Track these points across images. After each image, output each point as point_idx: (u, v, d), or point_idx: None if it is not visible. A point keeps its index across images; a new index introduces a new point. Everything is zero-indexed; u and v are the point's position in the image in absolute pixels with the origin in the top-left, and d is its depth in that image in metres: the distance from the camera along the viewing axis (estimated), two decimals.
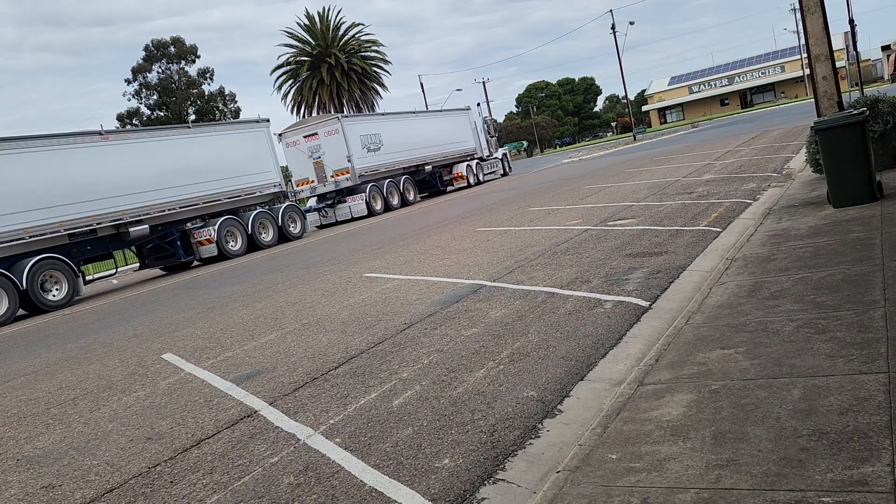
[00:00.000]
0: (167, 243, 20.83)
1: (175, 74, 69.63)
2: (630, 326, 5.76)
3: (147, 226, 19.49)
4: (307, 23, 53.40)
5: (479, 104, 37.91)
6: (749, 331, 4.82)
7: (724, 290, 6.01)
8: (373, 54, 54.13)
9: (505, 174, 39.28)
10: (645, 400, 4.06)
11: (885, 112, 10.58)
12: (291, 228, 24.17)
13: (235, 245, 21.83)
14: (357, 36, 54.02)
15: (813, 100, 9.55)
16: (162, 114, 68.42)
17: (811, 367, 3.95)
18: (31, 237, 16.75)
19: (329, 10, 54.32)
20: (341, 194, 27.62)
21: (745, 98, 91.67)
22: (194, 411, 5.50)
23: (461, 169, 34.32)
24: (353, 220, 27.72)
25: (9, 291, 15.59)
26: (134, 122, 66.89)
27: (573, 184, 21.62)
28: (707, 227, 9.44)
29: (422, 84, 61.95)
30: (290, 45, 53.56)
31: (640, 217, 11.50)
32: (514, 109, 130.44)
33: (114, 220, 18.72)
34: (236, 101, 73.06)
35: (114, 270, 21.62)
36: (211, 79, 71.90)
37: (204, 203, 21.24)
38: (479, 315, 6.89)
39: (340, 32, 53.78)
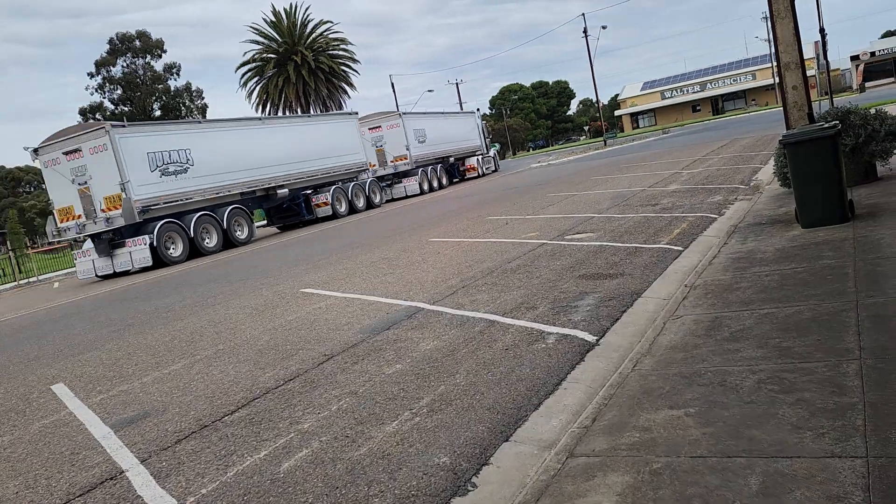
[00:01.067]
0: (295, 205, 27.51)
1: (140, 69, 67.89)
2: (572, 368, 5.01)
3: (287, 190, 25.87)
4: (273, 19, 52.13)
5: (478, 109, 44.53)
6: (703, 384, 4.09)
7: (679, 327, 5.30)
8: (341, 53, 53.05)
9: (496, 170, 44.12)
10: (572, 480, 3.30)
11: (856, 124, 10.02)
12: (374, 198, 30.56)
13: (341, 208, 28.32)
14: (325, 34, 52.89)
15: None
16: (126, 108, 66.64)
17: (774, 444, 3.22)
18: (217, 194, 22.67)
19: (297, 7, 53.20)
20: (398, 177, 33.71)
21: (717, 105, 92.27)
22: (53, 468, 4.63)
23: (473, 162, 41.29)
24: (406, 197, 33.61)
25: (182, 238, 20.79)
26: (97, 116, 65.00)
27: (538, 190, 20.95)
28: (668, 246, 8.77)
29: (392, 84, 60.97)
30: (257, 42, 52.28)
31: (600, 231, 10.80)
32: (488, 111, 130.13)
33: (267, 185, 24.85)
34: (203, 98, 71.52)
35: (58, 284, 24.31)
36: (177, 74, 70.32)
37: (321, 175, 27.91)
38: (408, 347, 6.10)
39: (308, 30, 52.60)
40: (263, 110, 51.22)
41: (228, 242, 22.62)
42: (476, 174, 41.00)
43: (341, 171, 29.13)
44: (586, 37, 55.32)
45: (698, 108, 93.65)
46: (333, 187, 27.86)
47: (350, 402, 4.94)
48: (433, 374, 5.29)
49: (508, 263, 9.31)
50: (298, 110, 50.65)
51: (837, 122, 7.97)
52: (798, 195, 7.88)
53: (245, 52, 66.40)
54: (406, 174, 33.73)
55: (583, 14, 61.88)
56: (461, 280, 8.67)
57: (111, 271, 20.73)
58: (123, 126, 20.66)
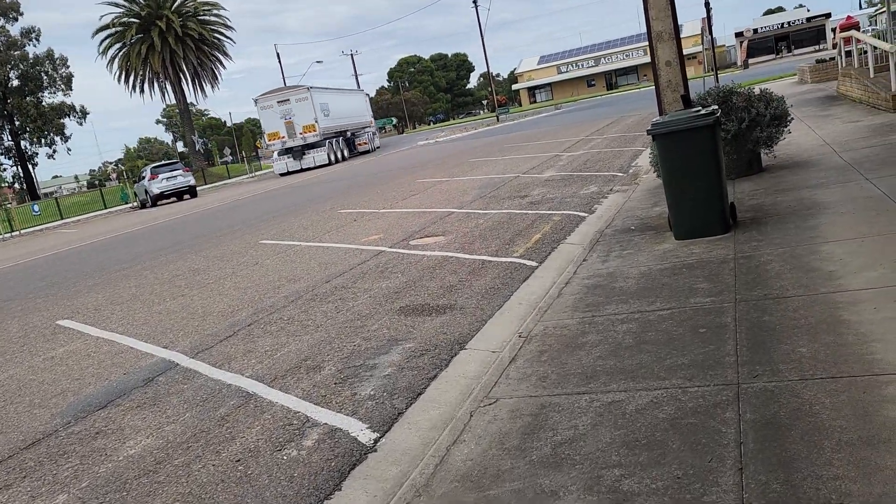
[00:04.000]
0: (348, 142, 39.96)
1: None
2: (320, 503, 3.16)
3: (350, 133, 40.12)
4: None
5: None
6: None
7: (487, 426, 3.53)
8: (212, 19, 48.63)
9: (377, 147, 46.58)
10: None
11: (739, 107, 8.65)
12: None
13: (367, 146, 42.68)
14: None
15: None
16: None
17: None
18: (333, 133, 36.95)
19: None
20: (306, 148, 35.93)
21: (611, 80, 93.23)
22: None
23: (365, 137, 43.74)
24: (315, 168, 35.81)
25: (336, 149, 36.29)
26: None
27: (410, 175, 19.07)
28: (521, 260, 7.08)
29: (278, 54, 56.47)
30: (116, 4, 47.11)
31: (452, 234, 9.03)
32: (386, 84, 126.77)
33: (344, 130, 39.64)
34: (68, 66, 65.00)
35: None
36: (37, 40, 63.47)
37: (360, 126, 43.39)
38: (105, 451, 4.07)
39: None
40: (126, 81, 46.56)
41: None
42: (367, 148, 43.30)
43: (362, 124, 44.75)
44: (476, 6, 53.59)
45: (593, 83, 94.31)
46: (366, 133, 43.54)
47: None
48: None
49: (326, 283, 7.37)
50: (167, 82, 46.38)
51: (717, 107, 6.44)
52: (670, 199, 6.33)
53: (102, 16, 60.12)
54: (314, 145, 35.81)
55: None
56: (253, 312, 6.66)
57: (298, 168, 35.20)
58: (314, 88, 36.92)
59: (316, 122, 34.88)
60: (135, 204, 34.69)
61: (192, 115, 58.93)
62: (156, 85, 47.05)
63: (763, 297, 4.42)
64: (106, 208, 36.17)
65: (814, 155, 9.43)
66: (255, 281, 8.12)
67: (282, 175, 34.94)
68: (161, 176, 31.11)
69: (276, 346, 5.51)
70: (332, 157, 36.28)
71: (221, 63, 49.01)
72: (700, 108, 6.37)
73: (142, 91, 47.92)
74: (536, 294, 5.88)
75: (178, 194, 32.00)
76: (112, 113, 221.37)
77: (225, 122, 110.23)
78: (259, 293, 7.44)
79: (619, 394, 3.53)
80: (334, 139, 38.29)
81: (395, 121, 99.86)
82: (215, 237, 13.15)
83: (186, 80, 46.97)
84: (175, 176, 31.38)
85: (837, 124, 11.85)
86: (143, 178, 32.12)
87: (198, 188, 40.48)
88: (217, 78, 48.52)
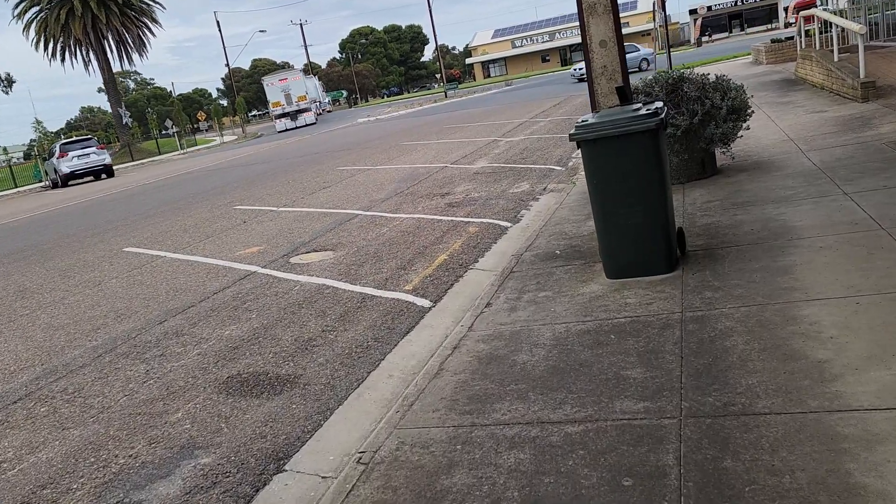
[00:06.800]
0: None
1: None
2: None
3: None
4: None
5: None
6: None
7: None
8: None
9: (314, 123, 50.18)
10: None
11: (691, 97, 7.12)
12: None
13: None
14: None
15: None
16: None
17: None
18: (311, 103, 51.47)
19: None
20: (299, 112, 47.38)
21: (566, 56, 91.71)
22: None
23: (314, 110, 52.13)
24: (306, 126, 46.22)
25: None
26: None
27: (330, 161, 17.21)
28: (411, 297, 5.45)
29: (218, 23, 53.15)
30: None
31: (345, 250, 7.35)
32: (338, 55, 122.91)
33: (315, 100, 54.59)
34: None
35: None
36: None
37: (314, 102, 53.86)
38: None
39: None
40: (46, 49, 42.97)
41: None
42: (314, 121, 49.94)
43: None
44: None
45: (547, 58, 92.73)
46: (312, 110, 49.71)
47: None
48: None
49: (160, 325, 5.63)
50: (89, 50, 42.99)
51: (662, 103, 4.86)
52: (600, 224, 4.76)
53: None
54: (305, 110, 47.72)
55: None
56: (36, 376, 4.92)
57: (294, 126, 45.57)
58: (305, 73, 55.22)
59: (306, 93, 48.13)
60: (46, 183, 31.84)
61: (118, 85, 55.30)
62: (78, 53, 43.56)
63: (722, 412, 2.87)
64: (16, 187, 33.20)
65: (776, 153, 8.00)
66: (77, 315, 6.31)
67: (280, 132, 45.13)
68: (71, 154, 28.30)
69: (18, 454, 3.77)
70: (316, 117, 49.57)
71: (150, 30, 45.67)
72: (641, 104, 4.78)
73: (63, 59, 44.42)
74: (417, 359, 4.28)
75: (95, 173, 29.36)
76: (54, 80, 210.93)
77: (170, 92, 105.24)
78: (67, 338, 5.65)
79: None
80: (314, 105, 52.46)
81: (344, 93, 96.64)
82: (81, 238, 11.20)
83: (111, 47, 43.58)
84: (88, 154, 28.60)
85: (800, 114, 10.47)
86: (53, 155, 29.31)
87: (124, 165, 37.77)
88: (145, 45, 45.21)
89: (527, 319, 4.39)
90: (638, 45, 40.24)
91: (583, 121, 4.68)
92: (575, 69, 39.77)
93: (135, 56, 46.14)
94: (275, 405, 3.91)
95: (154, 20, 46.12)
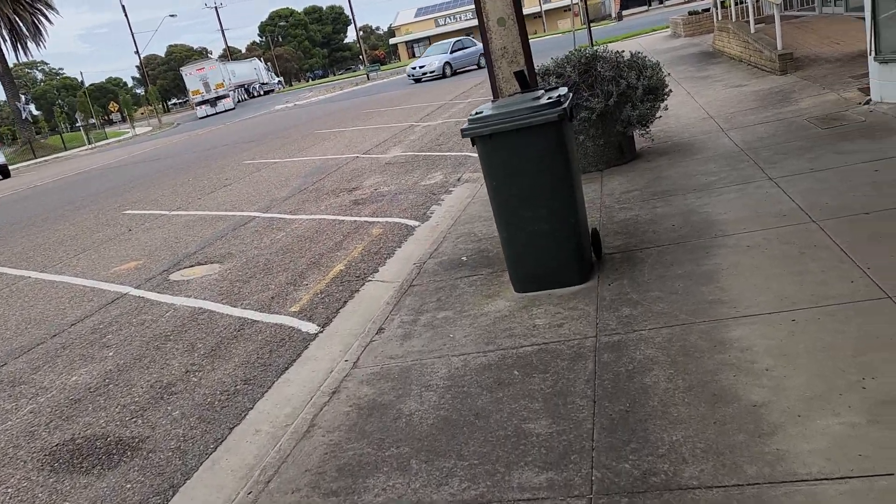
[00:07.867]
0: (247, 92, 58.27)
1: None
2: None
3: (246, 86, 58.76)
4: None
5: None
6: None
7: None
8: None
9: (232, 109, 50.02)
10: None
11: (606, 78, 6.58)
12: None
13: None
14: None
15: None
16: None
17: None
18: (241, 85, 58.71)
19: None
20: (218, 98, 47.78)
21: None
22: None
23: (230, 101, 52.86)
24: (225, 111, 46.14)
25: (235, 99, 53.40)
26: None
27: (238, 154, 16.13)
28: (296, 321, 4.73)
29: (123, 7, 49.84)
30: None
31: (233, 261, 6.53)
32: (258, 39, 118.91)
33: (242, 84, 58.07)
34: None
35: None
36: None
37: (250, 82, 60.49)
38: None
39: None
40: None
41: None
42: (233, 107, 50.92)
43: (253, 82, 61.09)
44: None
45: (472, 36, 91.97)
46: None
47: None
48: None
49: None
50: None
51: (567, 88, 4.24)
52: (503, 231, 4.13)
53: None
54: (223, 96, 48.46)
55: None
56: None
57: (214, 112, 46.02)
58: (219, 60, 55.88)
59: (223, 80, 48.96)
60: None
61: (24, 77, 51.86)
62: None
63: (641, 487, 2.28)
64: None
65: (696, 133, 7.56)
66: None
67: (200, 118, 45.48)
68: None
69: None
70: (235, 103, 50.06)
71: (46, 17, 42.59)
72: (543, 91, 4.15)
73: None
74: (291, 405, 3.59)
75: None
76: None
77: (81, 82, 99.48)
78: None
79: None
80: (236, 90, 54.41)
81: (280, 78, 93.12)
82: None
83: (3, 37, 40.46)
84: None
85: (719, 89, 10.13)
86: None
87: (25, 163, 35.37)
88: (41, 33, 42.16)
89: (420, 350, 3.74)
90: (475, 41, 33.60)
91: (477, 113, 4.03)
92: (414, 67, 32.35)
93: (31, 45, 43.06)
94: (105, 486, 3.14)
95: (49, 6, 43.02)
